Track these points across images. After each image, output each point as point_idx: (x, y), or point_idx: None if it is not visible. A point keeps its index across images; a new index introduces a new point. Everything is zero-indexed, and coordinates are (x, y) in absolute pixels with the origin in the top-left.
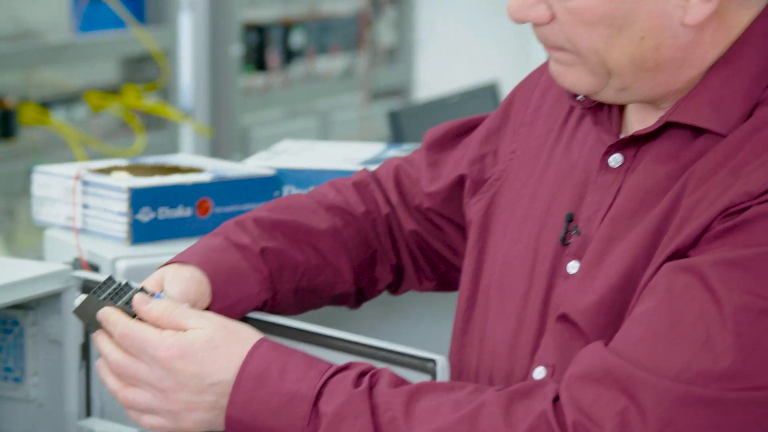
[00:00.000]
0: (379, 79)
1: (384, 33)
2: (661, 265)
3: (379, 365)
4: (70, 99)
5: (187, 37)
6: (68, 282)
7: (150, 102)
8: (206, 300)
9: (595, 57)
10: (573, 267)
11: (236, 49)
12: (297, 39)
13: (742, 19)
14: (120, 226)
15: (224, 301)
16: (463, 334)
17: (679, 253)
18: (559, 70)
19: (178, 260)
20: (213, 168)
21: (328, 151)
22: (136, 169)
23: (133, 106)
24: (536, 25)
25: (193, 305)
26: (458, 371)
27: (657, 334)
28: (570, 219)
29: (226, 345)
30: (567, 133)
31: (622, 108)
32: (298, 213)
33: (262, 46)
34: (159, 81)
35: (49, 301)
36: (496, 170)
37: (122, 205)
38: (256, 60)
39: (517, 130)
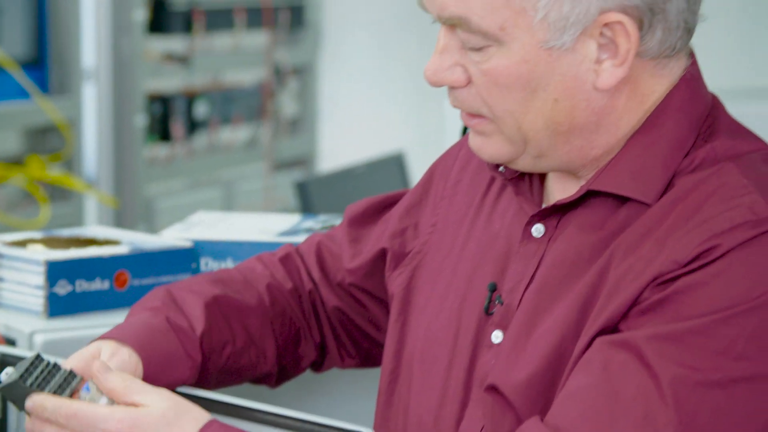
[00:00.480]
0: (283, 149)
1: (287, 104)
2: (592, 339)
3: None
4: None
5: (91, 108)
6: None
7: (54, 173)
8: None
9: (511, 120)
10: (497, 337)
11: (140, 120)
12: (200, 109)
13: (655, 88)
14: (37, 300)
15: (154, 384)
16: (387, 407)
17: (610, 327)
18: (478, 142)
19: (116, 337)
20: (130, 240)
21: (244, 222)
22: (51, 242)
23: (37, 177)
24: (452, 89)
25: None
26: None
27: (597, 411)
28: (493, 289)
29: (179, 422)
30: (487, 205)
31: (543, 178)
32: (232, 287)
33: (166, 117)
34: (63, 152)
35: None
36: (417, 243)
37: (39, 278)
38: (161, 130)
39: (438, 203)
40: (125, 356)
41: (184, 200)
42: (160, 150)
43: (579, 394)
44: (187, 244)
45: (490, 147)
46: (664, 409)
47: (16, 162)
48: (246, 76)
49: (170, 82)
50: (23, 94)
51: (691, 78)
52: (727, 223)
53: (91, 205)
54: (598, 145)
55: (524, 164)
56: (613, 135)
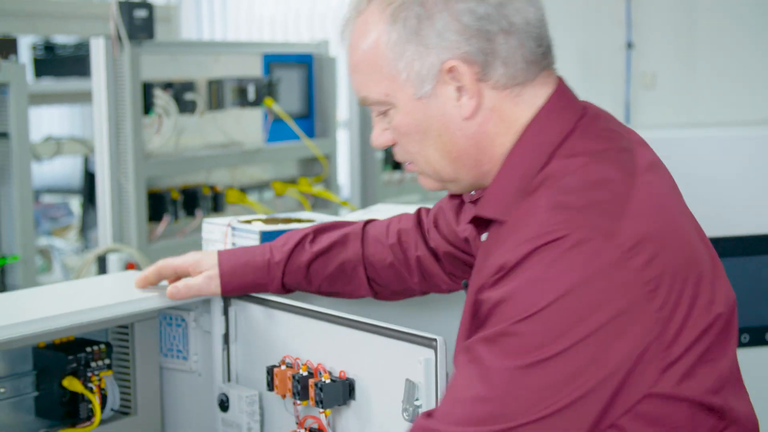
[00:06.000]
0: None
1: None
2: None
3: (391, 342)
4: (261, 186)
5: (344, 146)
6: None
7: (317, 189)
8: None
9: (421, 158)
10: None
11: (379, 154)
12: None
13: (520, 114)
14: None
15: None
16: None
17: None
18: (420, 180)
19: (223, 264)
20: (322, 220)
21: (411, 210)
22: (270, 221)
23: (306, 191)
24: (393, 148)
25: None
26: None
27: (449, 397)
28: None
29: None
30: None
31: None
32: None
33: None
34: (323, 175)
35: (204, 304)
36: None
37: (255, 242)
38: (393, 162)
39: None
40: (212, 281)
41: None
42: (394, 175)
43: (447, 388)
44: (360, 222)
45: (424, 181)
46: (488, 389)
47: (291, 181)
48: None
49: None
50: (295, 137)
51: (549, 109)
52: (516, 242)
53: (344, 212)
54: (486, 162)
55: (454, 189)
56: (492, 156)
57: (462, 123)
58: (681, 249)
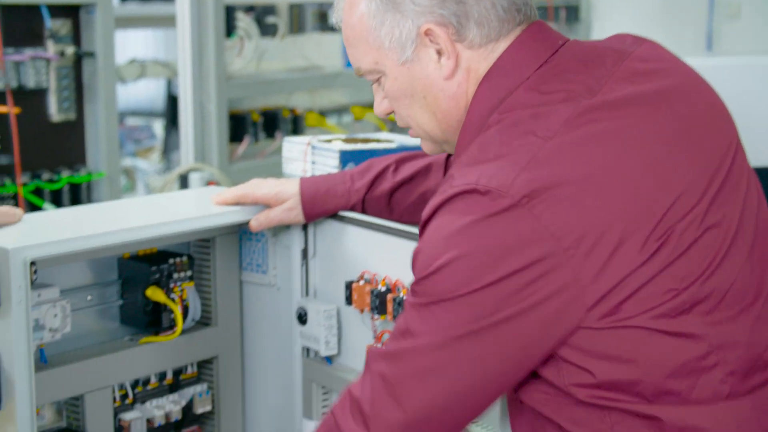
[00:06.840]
0: None
1: None
2: None
3: None
4: (340, 110)
5: None
6: None
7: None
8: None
9: (413, 122)
10: None
11: None
12: None
13: (486, 70)
14: None
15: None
16: None
17: None
18: (421, 145)
19: (305, 191)
20: (400, 141)
21: None
22: (349, 141)
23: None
24: (395, 115)
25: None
26: None
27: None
28: None
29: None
30: None
31: None
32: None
33: None
34: None
35: None
36: None
37: (335, 161)
38: None
39: None
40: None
41: None
42: None
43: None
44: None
45: (423, 145)
46: (416, 325)
47: (370, 106)
48: None
49: None
50: None
51: (500, 64)
52: (434, 197)
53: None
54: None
55: (450, 150)
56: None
57: (443, 83)
58: (607, 191)
